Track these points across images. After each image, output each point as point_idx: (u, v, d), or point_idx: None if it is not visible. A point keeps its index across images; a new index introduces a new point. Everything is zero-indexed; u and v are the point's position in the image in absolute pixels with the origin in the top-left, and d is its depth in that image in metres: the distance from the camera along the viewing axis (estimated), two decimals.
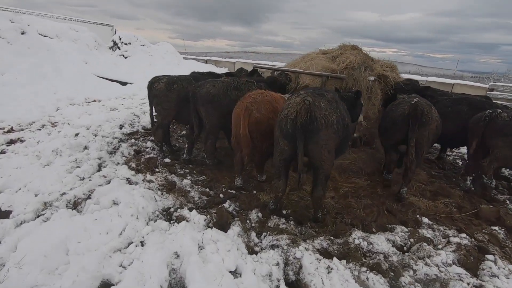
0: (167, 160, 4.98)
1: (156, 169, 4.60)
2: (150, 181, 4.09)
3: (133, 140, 5.73)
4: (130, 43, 14.21)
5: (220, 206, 3.63)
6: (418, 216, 3.84)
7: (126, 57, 13.79)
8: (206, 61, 18.19)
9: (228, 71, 16.95)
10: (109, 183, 3.81)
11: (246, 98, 3.95)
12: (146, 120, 6.99)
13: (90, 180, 3.93)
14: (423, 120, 3.87)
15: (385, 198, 4.30)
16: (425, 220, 3.73)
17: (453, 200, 4.38)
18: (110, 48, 14.09)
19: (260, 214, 3.55)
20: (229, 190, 4.15)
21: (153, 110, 5.19)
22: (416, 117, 3.86)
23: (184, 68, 14.38)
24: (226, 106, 4.43)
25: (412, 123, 3.86)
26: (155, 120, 5.27)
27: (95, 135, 5.67)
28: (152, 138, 5.83)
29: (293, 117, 2.90)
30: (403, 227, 3.47)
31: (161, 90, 4.88)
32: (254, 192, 4.20)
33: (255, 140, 3.87)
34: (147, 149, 5.37)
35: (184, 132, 6.84)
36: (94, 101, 8.85)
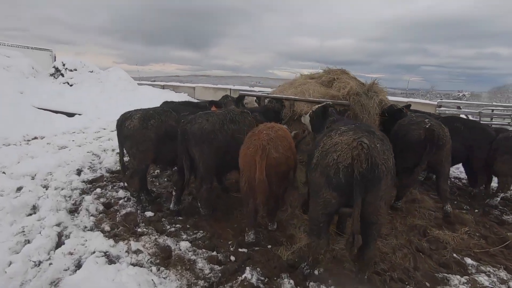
0: (149, 213, 3.96)
1: (139, 229, 3.56)
2: (137, 252, 3.05)
3: (98, 190, 4.52)
4: (76, 69, 12.54)
5: (240, 278, 2.79)
6: (455, 255, 3.47)
7: (71, 85, 12.09)
8: (163, 87, 16.94)
9: (188, 96, 16.00)
10: (80, 265, 2.70)
11: (256, 134, 3.27)
12: (109, 161, 5.80)
13: (50, 263, 2.73)
14: (440, 144, 3.97)
15: (407, 233, 4.00)
16: (468, 261, 3.36)
17: (471, 227, 4.23)
18: (51, 75, 12.26)
19: (292, 282, 2.80)
20: (239, 249, 3.34)
21: (124, 153, 4.19)
22: (432, 141, 3.93)
23: (141, 95, 13.10)
24: (223, 142, 3.76)
25: (430, 147, 3.92)
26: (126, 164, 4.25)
27: (46, 187, 4.36)
28: (122, 183, 4.72)
29: (347, 164, 2.29)
30: (458, 277, 3.01)
31: (135, 128, 3.93)
32: (269, 246, 3.45)
33: (272, 184, 3.16)
34: (120, 201, 4.24)
35: (158, 171, 5.80)
36: (36, 138, 7.32)
